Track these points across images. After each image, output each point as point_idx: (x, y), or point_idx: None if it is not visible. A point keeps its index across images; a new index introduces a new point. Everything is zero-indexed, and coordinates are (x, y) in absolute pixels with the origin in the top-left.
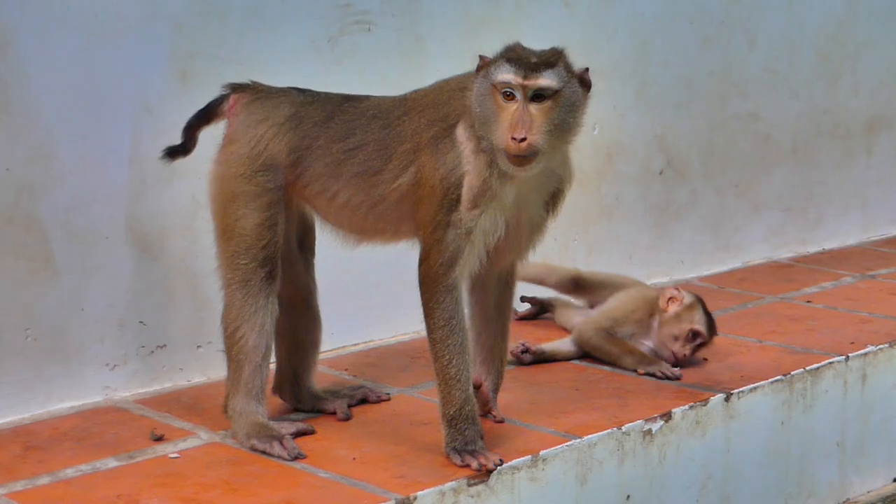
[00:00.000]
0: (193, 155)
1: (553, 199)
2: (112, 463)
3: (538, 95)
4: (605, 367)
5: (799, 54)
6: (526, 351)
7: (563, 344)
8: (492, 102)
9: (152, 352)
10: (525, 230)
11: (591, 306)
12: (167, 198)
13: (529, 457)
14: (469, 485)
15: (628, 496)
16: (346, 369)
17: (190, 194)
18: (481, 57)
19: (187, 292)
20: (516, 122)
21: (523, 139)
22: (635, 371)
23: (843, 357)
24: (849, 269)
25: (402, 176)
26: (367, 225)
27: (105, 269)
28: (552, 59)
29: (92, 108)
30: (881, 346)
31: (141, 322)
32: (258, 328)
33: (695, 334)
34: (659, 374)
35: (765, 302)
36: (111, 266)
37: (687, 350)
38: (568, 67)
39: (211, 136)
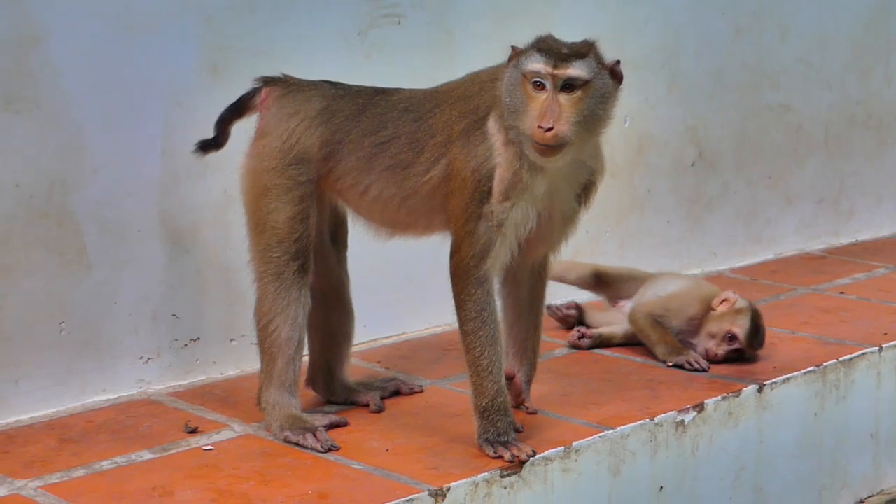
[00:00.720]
0: (226, 148)
1: (585, 191)
2: (146, 455)
3: (568, 86)
4: (638, 359)
5: (832, 45)
6: (583, 336)
7: (618, 328)
8: (521, 92)
9: (186, 345)
10: (557, 222)
11: (613, 302)
12: (199, 191)
13: (562, 448)
14: (502, 476)
15: (661, 487)
16: (378, 361)
17: (222, 188)
18: (513, 47)
19: (220, 286)
20: (544, 112)
21: (550, 128)
22: (665, 362)
23: (877, 348)
24: (882, 261)
25: (434, 169)
26: (399, 218)
27: (138, 262)
28: (583, 50)
29: (123, 101)
30: None
31: (174, 315)
32: (291, 321)
33: (732, 337)
34: (686, 364)
35: (797, 293)
36: (144, 259)
37: (721, 350)
38: (599, 59)
39: (244, 130)
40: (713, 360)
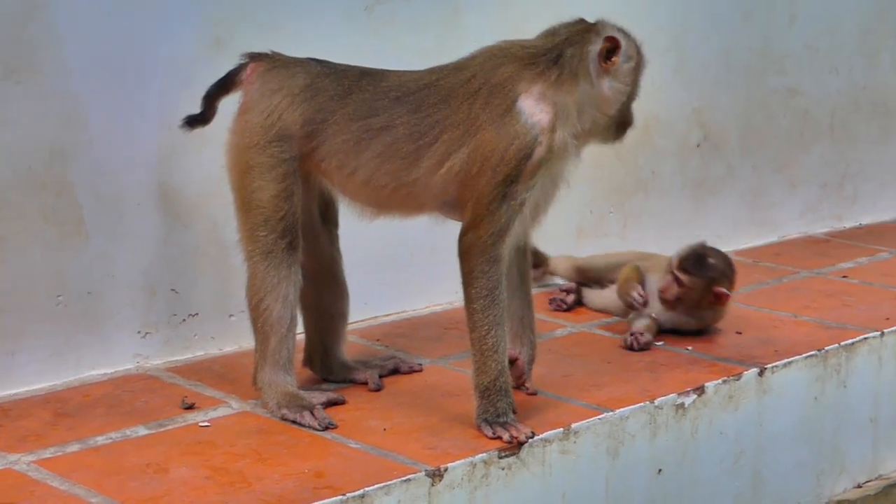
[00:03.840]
0: (224, 123)
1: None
2: (142, 431)
3: None
4: None
5: (840, 30)
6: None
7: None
8: (640, 82)
9: (184, 320)
10: (550, 200)
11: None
12: (199, 165)
13: (561, 429)
14: (500, 457)
15: (660, 470)
16: (378, 339)
17: (221, 162)
18: (612, 38)
19: (219, 261)
20: None
21: None
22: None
23: (879, 333)
24: (885, 245)
25: (451, 159)
26: (390, 202)
27: (136, 235)
28: None
29: (124, 73)
30: None
31: (173, 290)
32: (282, 299)
33: (675, 275)
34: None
35: (800, 277)
36: (142, 232)
37: (673, 289)
38: None
39: (234, 105)
40: (666, 297)
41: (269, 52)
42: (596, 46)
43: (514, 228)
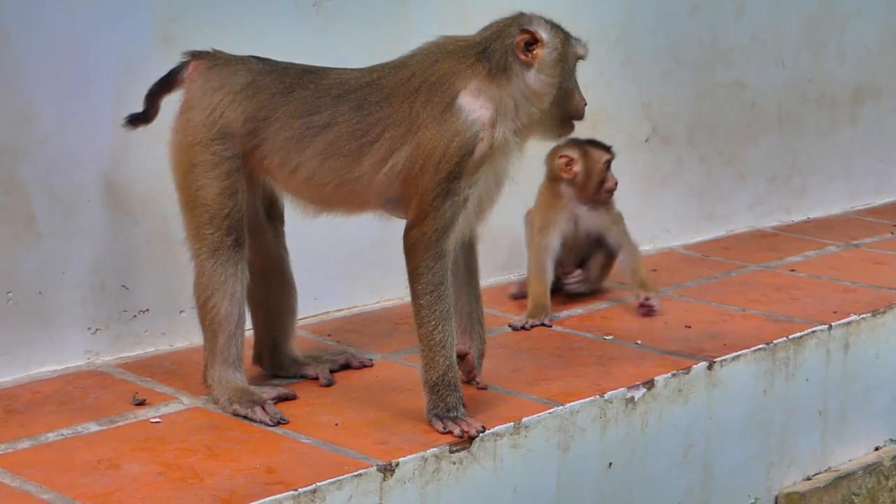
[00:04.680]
0: (171, 120)
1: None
2: (93, 427)
3: None
4: (589, 335)
5: (786, 23)
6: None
7: None
8: (572, 75)
9: (134, 316)
10: (494, 195)
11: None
12: (150, 161)
13: (512, 424)
14: (451, 451)
15: (610, 464)
16: (329, 335)
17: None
18: (528, 31)
19: (170, 257)
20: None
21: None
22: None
23: (826, 326)
24: (833, 239)
25: (394, 157)
26: (332, 199)
27: (87, 232)
28: None
29: (74, 70)
30: (864, 316)
31: (123, 286)
32: (229, 296)
33: (607, 164)
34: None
35: (748, 271)
36: (93, 229)
37: (612, 179)
38: None
39: (178, 103)
40: (614, 188)
41: (210, 49)
42: (515, 39)
43: (459, 224)
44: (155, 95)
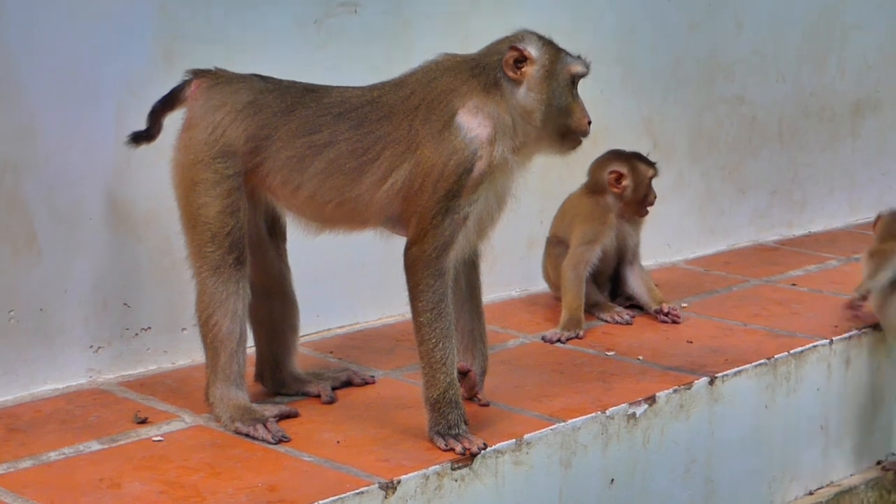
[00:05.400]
0: (173, 138)
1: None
2: (95, 446)
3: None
4: (590, 351)
5: (786, 37)
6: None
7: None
8: (567, 92)
9: (137, 334)
10: (496, 214)
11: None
12: (152, 179)
13: (514, 441)
14: (453, 468)
15: (612, 480)
16: (331, 352)
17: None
18: (516, 48)
19: (172, 274)
20: (585, 108)
21: (590, 122)
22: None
23: (828, 341)
24: (834, 253)
25: (393, 175)
26: (334, 217)
27: (89, 250)
28: None
29: (76, 88)
30: (865, 330)
31: (125, 304)
32: (231, 314)
33: (651, 180)
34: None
35: (750, 285)
36: (95, 247)
37: (653, 193)
38: None
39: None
40: (653, 202)
41: (212, 68)
42: (504, 56)
43: (458, 242)
44: (157, 113)
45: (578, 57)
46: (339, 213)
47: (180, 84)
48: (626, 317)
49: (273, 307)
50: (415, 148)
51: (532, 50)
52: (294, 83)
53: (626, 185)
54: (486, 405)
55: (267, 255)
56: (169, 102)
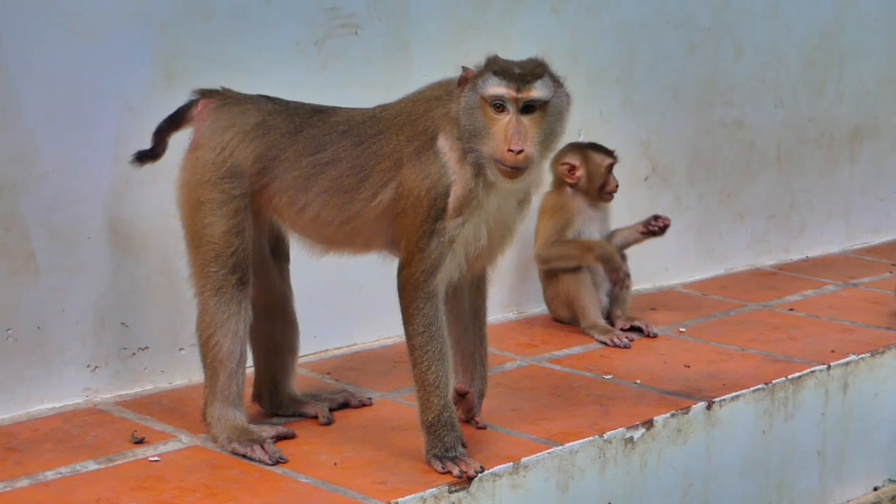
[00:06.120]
0: (175, 158)
1: (521, 204)
2: (92, 466)
3: (529, 107)
4: (588, 374)
5: (785, 62)
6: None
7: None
8: (482, 115)
9: (134, 353)
10: (497, 237)
11: None
12: (150, 199)
13: (511, 464)
14: (450, 491)
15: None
16: (328, 373)
17: (172, 196)
18: (464, 68)
19: (169, 294)
20: (512, 135)
21: (520, 151)
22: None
23: (825, 366)
24: (831, 278)
25: (382, 193)
26: (337, 238)
27: (87, 269)
28: (538, 70)
29: (75, 107)
30: (863, 356)
31: (123, 323)
32: (231, 335)
33: (609, 168)
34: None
35: (747, 310)
36: (93, 266)
37: (613, 181)
38: (553, 77)
39: (186, 141)
40: (615, 191)
41: (219, 88)
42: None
43: (446, 265)
44: (163, 132)
45: (515, 75)
46: (342, 234)
47: (187, 104)
48: (625, 340)
49: (274, 328)
50: (399, 166)
51: (472, 69)
52: (302, 104)
53: (579, 176)
54: (483, 428)
55: (270, 275)
56: (175, 122)
